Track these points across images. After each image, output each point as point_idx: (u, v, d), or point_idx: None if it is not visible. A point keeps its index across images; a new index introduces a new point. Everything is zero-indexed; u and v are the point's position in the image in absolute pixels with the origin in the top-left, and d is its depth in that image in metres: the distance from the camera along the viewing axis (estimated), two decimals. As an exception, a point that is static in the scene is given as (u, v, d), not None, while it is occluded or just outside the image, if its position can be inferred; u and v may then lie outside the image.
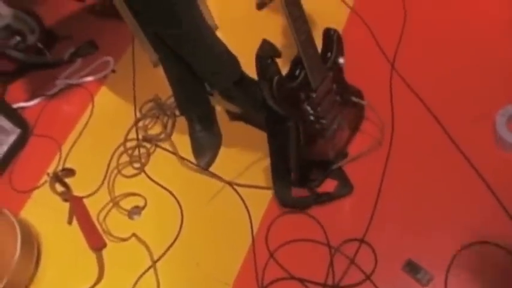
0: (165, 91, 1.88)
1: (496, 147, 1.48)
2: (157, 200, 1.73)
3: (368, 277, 1.36)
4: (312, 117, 1.31)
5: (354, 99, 1.44)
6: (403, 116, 1.62)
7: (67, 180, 1.89)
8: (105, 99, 2.11)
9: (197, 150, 1.75)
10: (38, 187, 1.94)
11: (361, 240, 1.42)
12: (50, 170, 1.95)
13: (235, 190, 1.64)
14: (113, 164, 1.86)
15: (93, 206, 1.79)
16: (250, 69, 1.63)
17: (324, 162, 1.49)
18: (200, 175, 1.72)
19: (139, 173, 1.81)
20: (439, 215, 1.41)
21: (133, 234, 1.68)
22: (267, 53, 1.15)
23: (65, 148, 2.01)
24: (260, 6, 2.09)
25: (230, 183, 1.65)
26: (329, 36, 1.31)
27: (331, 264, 1.41)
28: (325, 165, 1.50)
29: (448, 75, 1.68)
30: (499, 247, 1.30)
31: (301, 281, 1.41)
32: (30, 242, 1.71)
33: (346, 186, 1.50)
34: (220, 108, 1.84)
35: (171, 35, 1.45)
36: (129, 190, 1.77)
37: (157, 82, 1.94)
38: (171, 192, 1.72)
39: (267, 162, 1.54)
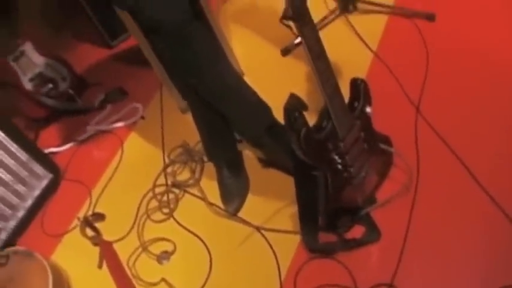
0: (193, 137, 1.96)
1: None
2: (186, 245, 1.77)
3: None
4: (339, 166, 1.36)
5: (382, 146, 1.49)
6: (428, 160, 1.66)
7: (97, 224, 1.95)
8: (135, 145, 2.20)
9: (225, 195, 1.81)
10: (68, 231, 2.00)
11: (389, 285, 1.44)
12: (81, 214, 2.02)
13: (263, 235, 1.68)
14: (142, 209, 1.92)
15: (122, 251, 1.84)
16: (275, 114, 1.71)
17: (351, 208, 1.53)
18: (228, 220, 1.77)
19: (168, 218, 1.86)
20: (467, 258, 1.43)
21: (163, 279, 1.72)
22: (294, 107, 1.22)
23: (95, 193, 2.08)
24: (285, 52, 2.17)
25: (258, 228, 1.70)
26: (356, 86, 1.37)
27: (360, 309, 1.44)
28: (353, 211, 1.53)
29: (473, 117, 1.72)
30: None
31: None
32: (61, 286, 1.77)
33: (373, 232, 1.53)
34: (247, 152, 1.90)
35: (199, 84, 1.53)
36: (158, 235, 1.83)
37: (186, 128, 2.02)
38: (199, 238, 1.76)
39: (294, 207, 1.58)
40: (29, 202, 2.13)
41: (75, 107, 2.47)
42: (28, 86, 2.47)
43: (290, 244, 1.63)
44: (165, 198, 1.92)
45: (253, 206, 1.77)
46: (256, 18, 2.49)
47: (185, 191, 1.91)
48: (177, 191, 1.92)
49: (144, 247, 1.82)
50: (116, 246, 1.86)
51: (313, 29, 1.12)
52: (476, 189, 1.54)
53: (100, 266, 1.85)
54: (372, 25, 2.14)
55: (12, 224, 2.08)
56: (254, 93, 1.66)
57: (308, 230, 1.56)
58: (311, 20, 1.12)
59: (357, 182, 1.44)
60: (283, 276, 1.58)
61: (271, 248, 1.65)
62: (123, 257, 1.83)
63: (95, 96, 2.45)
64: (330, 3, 2.29)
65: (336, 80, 1.25)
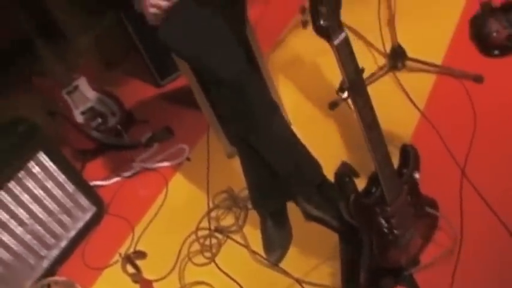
0: (238, 183, 2.02)
1: None
2: (226, 291, 1.83)
3: None
4: (385, 229, 1.41)
5: (428, 210, 1.53)
6: (473, 224, 1.68)
7: (138, 262, 2.03)
8: (179, 186, 2.28)
9: (268, 245, 1.86)
10: (109, 266, 2.08)
11: None
12: (122, 250, 2.10)
13: (303, 288, 1.73)
14: (184, 250, 1.99)
15: (162, 291, 1.91)
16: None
17: (394, 269, 1.57)
18: (269, 270, 1.81)
19: (210, 263, 1.92)
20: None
21: (201, 323, 1.78)
22: (345, 172, 1.29)
23: (137, 230, 2.17)
24: (332, 106, 2.25)
25: (298, 281, 1.74)
26: (406, 152, 1.43)
27: None
28: (396, 271, 1.57)
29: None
30: None
31: None
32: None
33: (416, 294, 1.56)
34: (292, 204, 1.95)
35: (251, 135, 1.61)
36: (199, 279, 1.88)
37: (231, 173, 2.10)
38: (239, 284, 1.81)
39: (336, 262, 1.63)
40: (72, 233, 2.23)
41: (123, 142, 2.59)
42: (79, 119, 2.61)
43: (329, 300, 1.67)
44: (207, 242, 1.98)
45: (295, 258, 1.82)
46: (302, 70, 2.59)
47: (228, 237, 1.97)
48: (220, 236, 1.98)
49: (184, 289, 1.88)
50: (156, 285, 1.93)
51: (367, 100, 1.20)
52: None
53: (139, 304, 1.92)
54: (419, 83, 2.20)
55: (54, 253, 2.18)
56: (305, 148, 1.73)
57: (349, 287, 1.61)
58: (366, 92, 1.20)
59: (401, 244, 1.49)
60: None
61: (311, 301, 1.69)
62: (162, 297, 1.89)
63: (142, 133, 2.57)
64: (379, 59, 2.38)
65: (387, 148, 1.31)
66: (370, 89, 1.23)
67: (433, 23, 2.49)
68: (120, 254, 2.08)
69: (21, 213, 2.06)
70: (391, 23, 2.20)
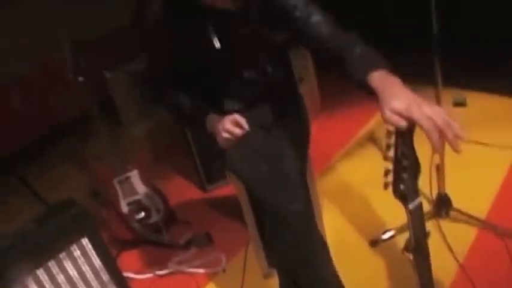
0: (271, 305, 2.08)
1: None
2: None
3: None
4: None
5: None
6: None
7: None
8: (212, 296, 2.33)
9: None
10: None
11: None
12: None
13: None
14: None
15: None
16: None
17: None
18: None
19: None
20: None
21: None
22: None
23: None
24: (373, 244, 2.33)
25: None
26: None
27: None
28: None
29: None
30: None
31: None
32: None
33: None
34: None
35: (297, 269, 1.69)
36: None
37: (265, 294, 2.15)
38: None
39: None
40: (98, 322, 2.28)
41: (161, 240, 2.68)
42: (124, 209, 2.74)
43: None
44: None
45: None
46: (348, 200, 2.68)
47: None
48: None
49: None
50: None
51: (428, 263, 1.29)
52: None
53: None
54: (461, 235, 2.26)
55: None
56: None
57: None
58: (428, 255, 1.29)
59: None
60: None
61: None
62: None
63: (182, 235, 2.66)
64: (424, 203, 2.45)
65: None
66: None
67: (481, 173, 2.60)
68: None
69: (54, 293, 2.13)
70: (440, 170, 2.32)
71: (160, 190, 2.81)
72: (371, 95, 1.25)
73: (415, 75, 3.28)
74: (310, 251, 1.64)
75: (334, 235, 2.37)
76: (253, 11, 1.64)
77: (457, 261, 2.15)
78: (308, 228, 1.64)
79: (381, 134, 3.03)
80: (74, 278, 2.20)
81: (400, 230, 2.30)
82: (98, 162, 2.90)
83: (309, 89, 3.18)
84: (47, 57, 3.69)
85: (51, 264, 2.12)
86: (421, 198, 1.27)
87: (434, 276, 1.71)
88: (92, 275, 2.25)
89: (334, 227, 2.47)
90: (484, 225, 2.28)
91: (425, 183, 2.39)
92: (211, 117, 1.81)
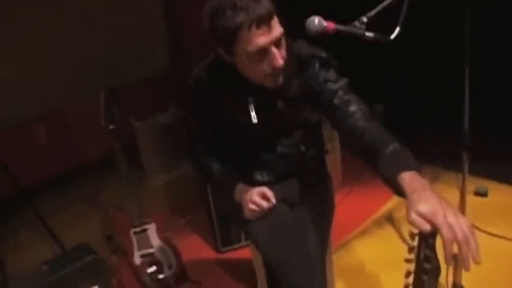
0: None
1: None
2: None
3: None
4: None
5: None
6: None
7: None
8: None
9: None
10: None
11: None
12: None
13: None
14: None
15: None
16: None
17: None
18: None
19: None
20: None
21: None
22: None
23: None
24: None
25: None
26: None
27: None
28: None
29: None
30: None
31: None
32: None
33: None
34: None
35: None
36: None
37: None
38: None
39: None
40: None
41: (170, 300, 2.70)
42: (137, 260, 2.77)
43: None
44: None
45: None
46: (360, 278, 2.68)
47: None
48: None
49: None
50: None
51: None
52: None
53: None
54: None
55: None
56: None
57: None
58: None
59: None
60: None
61: None
62: None
63: (191, 296, 2.68)
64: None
65: None
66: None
67: (498, 266, 2.60)
68: None
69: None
70: (456, 261, 2.32)
71: (174, 246, 2.85)
72: (398, 195, 1.30)
73: (441, 157, 3.37)
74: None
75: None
76: (293, 90, 1.72)
77: None
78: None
79: (399, 215, 3.06)
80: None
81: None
82: (116, 209, 2.96)
83: (332, 163, 3.23)
84: (79, 98, 3.84)
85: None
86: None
87: None
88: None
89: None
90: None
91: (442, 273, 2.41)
92: (240, 186, 1.87)
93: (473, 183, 3.20)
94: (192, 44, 3.13)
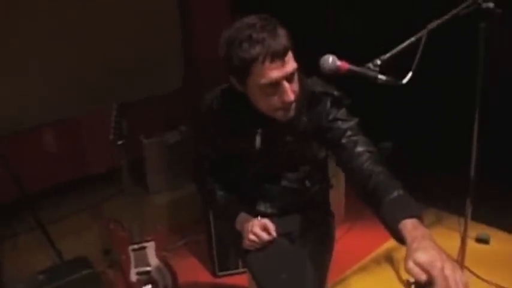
0: None
1: None
2: None
3: None
4: None
5: None
6: None
7: None
8: None
9: None
10: None
11: None
12: None
13: None
14: None
15: None
16: None
17: None
18: None
19: None
20: None
21: None
22: None
23: None
24: None
25: None
26: None
27: None
28: None
29: None
30: None
31: None
32: None
33: None
34: None
35: None
36: None
37: None
38: None
39: None
40: None
41: (162, 317, 2.70)
42: (133, 277, 2.77)
43: None
44: None
45: None
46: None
47: None
48: None
49: None
50: None
51: None
52: None
53: None
54: None
55: None
56: None
57: None
58: None
59: None
60: None
61: None
62: None
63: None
64: None
65: None
66: None
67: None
68: None
69: None
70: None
71: (171, 266, 2.85)
72: (398, 242, 1.32)
73: (445, 200, 3.37)
74: None
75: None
76: (302, 125, 1.74)
77: None
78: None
79: (399, 256, 3.06)
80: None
81: None
82: (116, 224, 2.97)
83: (336, 197, 3.24)
84: (91, 108, 3.89)
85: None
86: None
87: None
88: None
89: None
90: None
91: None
92: (242, 216, 1.89)
93: (475, 230, 3.20)
94: (207, 66, 3.18)
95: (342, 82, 1.74)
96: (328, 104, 1.71)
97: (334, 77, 1.65)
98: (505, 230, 3.32)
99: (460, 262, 2.48)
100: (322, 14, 4.33)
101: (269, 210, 1.91)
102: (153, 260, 2.81)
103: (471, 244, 3.01)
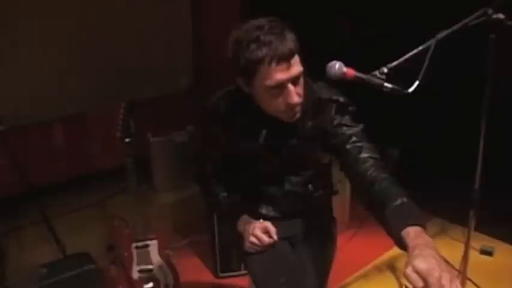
0: None
1: None
2: None
3: None
4: None
5: None
6: None
7: None
8: None
9: None
10: None
11: None
12: None
13: None
14: None
15: None
16: None
17: None
18: None
19: None
20: None
21: None
22: None
23: None
24: None
25: None
26: None
27: None
28: None
29: None
30: None
31: None
32: None
33: None
34: None
35: None
36: None
37: None
38: None
39: None
40: None
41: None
42: (135, 275, 2.79)
43: None
44: None
45: None
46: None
47: None
48: None
49: None
50: None
51: None
52: None
53: None
54: None
55: None
56: None
57: None
58: None
59: None
60: None
61: None
62: None
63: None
64: None
65: None
66: None
67: None
68: None
69: None
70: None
71: (173, 266, 2.87)
72: (401, 248, 1.32)
73: (450, 211, 3.36)
74: None
75: None
76: (307, 129, 1.75)
77: None
78: None
79: (401, 264, 3.06)
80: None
81: None
82: (120, 221, 2.99)
83: (340, 204, 3.24)
84: (100, 105, 3.91)
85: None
86: None
87: None
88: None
89: None
90: None
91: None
92: (244, 218, 1.90)
93: (479, 241, 3.19)
94: (217, 66, 3.19)
95: (350, 88, 1.74)
96: (334, 109, 1.72)
97: (341, 83, 1.66)
98: (510, 243, 3.30)
99: (462, 273, 2.48)
100: (333, 20, 4.34)
101: (271, 214, 1.92)
102: (156, 259, 2.83)
103: (475, 256, 3.01)
